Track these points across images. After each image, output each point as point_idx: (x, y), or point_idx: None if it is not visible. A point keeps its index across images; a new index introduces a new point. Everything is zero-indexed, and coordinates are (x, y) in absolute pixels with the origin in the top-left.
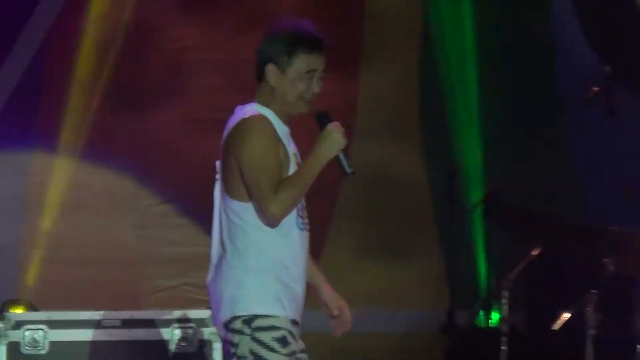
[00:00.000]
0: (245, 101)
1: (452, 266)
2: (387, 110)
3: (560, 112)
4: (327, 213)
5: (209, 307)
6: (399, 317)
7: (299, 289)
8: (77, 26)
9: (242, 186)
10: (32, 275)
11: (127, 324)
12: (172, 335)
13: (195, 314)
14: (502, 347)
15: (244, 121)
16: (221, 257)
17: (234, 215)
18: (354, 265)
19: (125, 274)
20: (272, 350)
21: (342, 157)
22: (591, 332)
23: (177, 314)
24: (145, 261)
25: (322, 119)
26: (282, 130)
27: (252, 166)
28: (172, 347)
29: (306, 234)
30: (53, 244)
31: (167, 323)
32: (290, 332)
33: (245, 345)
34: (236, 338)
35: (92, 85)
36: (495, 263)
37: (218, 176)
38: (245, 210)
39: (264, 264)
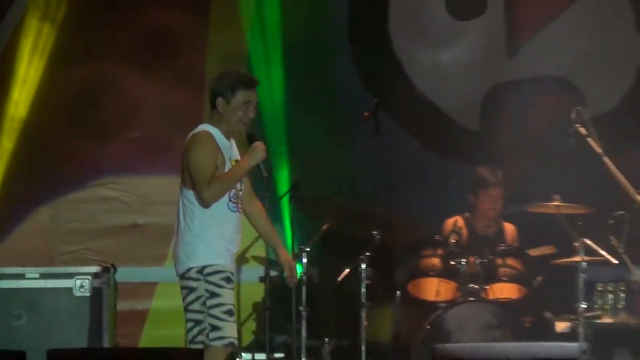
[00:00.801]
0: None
1: None
2: None
3: (345, 128)
4: None
5: (100, 265)
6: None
7: (233, 249)
8: None
9: (190, 179)
10: None
11: (44, 276)
12: (75, 284)
13: (90, 269)
14: (303, 292)
15: (194, 135)
16: (178, 229)
17: (186, 200)
18: None
19: (43, 242)
20: (220, 287)
21: (261, 165)
22: (365, 282)
23: (78, 269)
24: (57, 233)
25: (250, 139)
26: (224, 143)
27: (194, 165)
28: (75, 292)
29: (238, 214)
30: None
31: (72, 275)
32: (232, 274)
33: (201, 287)
34: (194, 284)
35: None
36: (298, 235)
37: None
38: (192, 196)
39: (207, 232)
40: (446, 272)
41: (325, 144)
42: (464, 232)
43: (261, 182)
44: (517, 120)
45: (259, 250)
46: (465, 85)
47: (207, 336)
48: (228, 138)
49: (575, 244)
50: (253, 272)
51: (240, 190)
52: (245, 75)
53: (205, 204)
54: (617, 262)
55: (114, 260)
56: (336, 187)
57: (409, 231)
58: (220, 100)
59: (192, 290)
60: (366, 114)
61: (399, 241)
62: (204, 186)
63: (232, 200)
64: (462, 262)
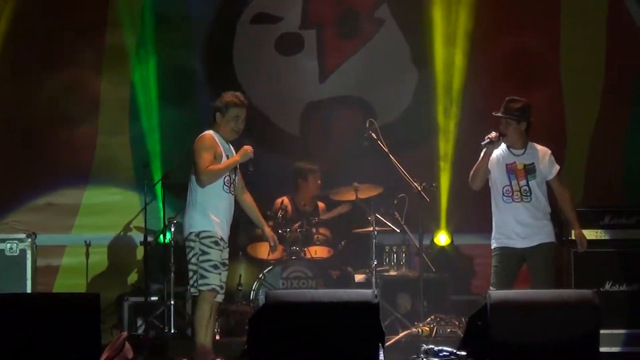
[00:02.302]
0: None
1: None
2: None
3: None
4: None
5: (24, 233)
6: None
7: (224, 219)
8: None
9: (194, 167)
10: None
11: None
12: (6, 247)
13: (17, 236)
14: (171, 252)
15: (201, 137)
16: (187, 205)
17: (192, 183)
18: None
19: None
20: (210, 247)
21: (249, 163)
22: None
23: (9, 236)
24: None
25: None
26: (225, 145)
27: (197, 156)
28: (7, 252)
29: (230, 195)
30: None
31: (4, 240)
32: (221, 239)
33: (197, 246)
34: (193, 244)
35: None
36: (168, 211)
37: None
38: (194, 180)
39: (205, 207)
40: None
41: (190, 140)
42: (289, 208)
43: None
44: (327, 128)
45: (140, 221)
46: (289, 102)
47: (197, 282)
48: (227, 142)
49: (369, 218)
50: (136, 237)
51: (234, 180)
52: (237, 96)
53: (201, 185)
54: (399, 230)
55: (35, 229)
56: None
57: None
58: (218, 115)
59: (191, 249)
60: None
61: (241, 215)
62: (202, 171)
63: (226, 184)
64: (287, 231)
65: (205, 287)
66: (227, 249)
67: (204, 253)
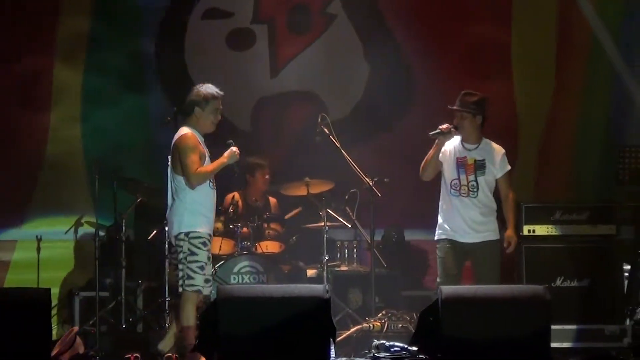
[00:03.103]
0: None
1: None
2: None
3: (155, 130)
4: None
5: None
6: None
7: (212, 216)
8: None
9: (180, 168)
10: None
11: None
12: None
13: None
14: (123, 247)
15: (182, 136)
16: (172, 203)
17: (177, 182)
18: None
19: None
20: (198, 248)
21: (235, 165)
22: (168, 240)
23: None
24: None
25: (229, 144)
26: (201, 140)
27: (186, 159)
28: None
29: (215, 190)
30: None
31: None
32: (208, 239)
33: (185, 246)
34: (182, 243)
35: None
36: (119, 206)
37: (169, 163)
38: (182, 181)
39: (194, 206)
40: (227, 233)
41: (140, 134)
42: (240, 203)
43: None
44: (278, 123)
45: (91, 216)
46: (240, 97)
47: (184, 282)
48: (203, 137)
49: (320, 213)
50: (87, 232)
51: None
52: (215, 89)
53: (192, 187)
54: (350, 225)
55: None
56: (147, 171)
57: None
58: (197, 109)
59: (180, 248)
60: (169, 118)
61: None
62: (192, 174)
63: (211, 181)
64: (239, 226)
65: (190, 289)
66: (212, 242)
67: (192, 254)
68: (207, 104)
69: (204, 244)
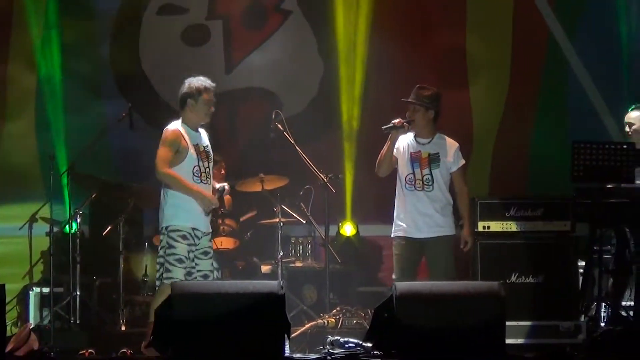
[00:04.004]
0: None
1: None
2: None
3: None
4: None
5: None
6: None
7: (198, 211)
8: None
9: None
10: None
11: None
12: None
13: None
14: (77, 243)
15: (165, 129)
16: (161, 198)
17: None
18: None
19: None
20: (177, 241)
21: (206, 209)
22: (122, 236)
23: None
24: None
25: (220, 190)
26: (192, 134)
27: (158, 150)
28: None
29: (203, 184)
30: None
31: None
32: (190, 233)
33: (165, 240)
34: (162, 237)
35: None
36: (75, 202)
37: None
38: None
39: (173, 200)
40: None
41: (95, 131)
42: None
43: None
44: (233, 119)
45: (46, 212)
46: None
47: (161, 275)
48: (196, 129)
49: (275, 209)
50: (41, 228)
51: (206, 169)
52: (207, 81)
53: (155, 176)
54: (305, 222)
55: None
56: (102, 167)
57: (154, 199)
58: (190, 102)
59: (161, 242)
60: (124, 114)
61: (147, 206)
62: (158, 170)
63: (195, 175)
64: None
65: (167, 281)
66: (208, 237)
67: (170, 247)
68: (199, 95)
69: (184, 237)
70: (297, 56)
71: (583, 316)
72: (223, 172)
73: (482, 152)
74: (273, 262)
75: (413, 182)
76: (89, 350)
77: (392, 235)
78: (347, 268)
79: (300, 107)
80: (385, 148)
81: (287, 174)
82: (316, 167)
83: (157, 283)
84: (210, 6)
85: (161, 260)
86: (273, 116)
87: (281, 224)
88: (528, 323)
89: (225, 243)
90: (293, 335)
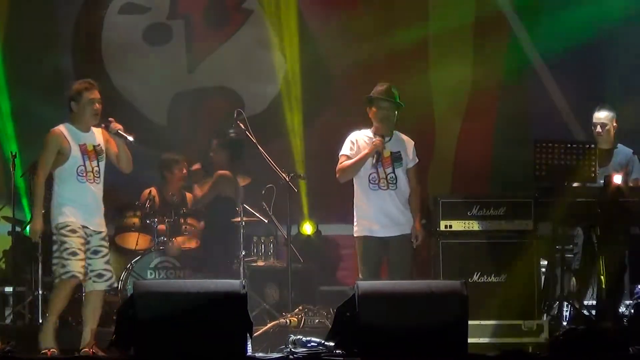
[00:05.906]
0: None
1: None
2: None
3: None
4: None
5: None
6: None
7: (84, 209)
8: None
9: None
10: None
11: None
12: None
13: None
14: (40, 242)
15: (48, 132)
16: None
17: (50, 178)
18: None
19: None
20: (67, 236)
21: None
22: None
23: None
24: None
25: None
26: (79, 135)
27: (41, 154)
28: None
29: (88, 184)
30: None
31: None
32: (79, 228)
33: (56, 238)
34: (54, 237)
35: None
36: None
37: None
38: (53, 176)
39: (59, 200)
40: (143, 228)
41: None
42: (157, 199)
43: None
44: (195, 118)
45: (7, 212)
46: (157, 92)
47: (58, 272)
48: (86, 130)
49: (237, 208)
50: (3, 228)
51: (93, 168)
52: (86, 81)
53: None
54: (267, 221)
55: None
56: None
57: (115, 197)
58: (73, 104)
59: (54, 242)
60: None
61: (109, 205)
62: (39, 172)
63: (80, 174)
64: (155, 221)
65: (65, 276)
66: (99, 236)
67: (62, 243)
68: (80, 97)
69: (73, 231)
70: (259, 55)
71: (545, 315)
72: (185, 171)
73: (444, 150)
74: (235, 261)
75: (377, 181)
76: (52, 350)
77: (355, 235)
78: (309, 267)
79: (262, 107)
80: (357, 159)
81: (249, 173)
82: (278, 166)
83: (56, 282)
84: (172, 5)
85: (56, 260)
86: (235, 115)
87: (243, 223)
88: (490, 322)
89: (187, 242)
90: (255, 334)
